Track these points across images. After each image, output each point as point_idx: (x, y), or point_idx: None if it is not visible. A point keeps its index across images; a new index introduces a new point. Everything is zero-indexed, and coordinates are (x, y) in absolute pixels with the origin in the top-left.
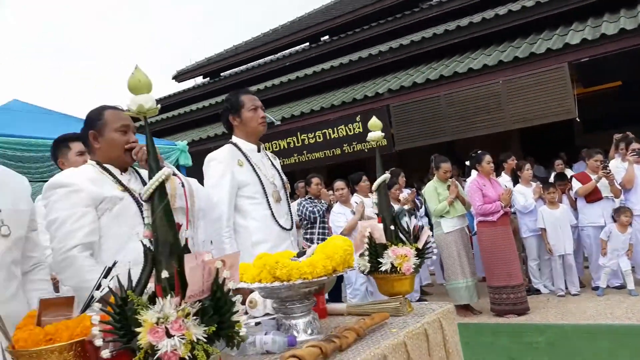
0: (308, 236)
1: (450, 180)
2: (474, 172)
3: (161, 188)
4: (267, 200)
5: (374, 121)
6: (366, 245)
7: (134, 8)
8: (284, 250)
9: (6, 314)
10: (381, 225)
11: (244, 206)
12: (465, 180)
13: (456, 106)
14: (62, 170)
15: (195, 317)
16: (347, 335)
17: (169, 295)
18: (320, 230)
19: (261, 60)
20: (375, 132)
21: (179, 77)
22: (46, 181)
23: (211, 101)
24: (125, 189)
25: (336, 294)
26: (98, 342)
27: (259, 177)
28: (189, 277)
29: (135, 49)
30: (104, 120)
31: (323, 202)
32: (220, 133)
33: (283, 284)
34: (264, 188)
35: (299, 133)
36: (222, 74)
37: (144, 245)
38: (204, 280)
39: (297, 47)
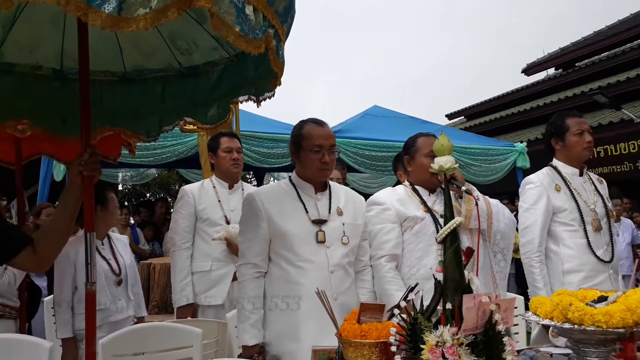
0: None
1: None
2: None
3: (453, 234)
4: (584, 228)
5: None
6: None
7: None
8: (599, 283)
9: (340, 303)
10: None
11: (558, 232)
12: None
13: None
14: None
15: (467, 347)
16: None
17: (449, 324)
18: None
19: (626, 46)
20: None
21: (529, 70)
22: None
23: (560, 95)
24: (428, 210)
25: None
26: (393, 348)
27: (577, 203)
28: (465, 314)
29: (485, 44)
30: (415, 146)
31: None
32: None
33: (574, 327)
34: (581, 215)
35: None
36: (577, 64)
37: (435, 279)
38: (479, 318)
39: None
